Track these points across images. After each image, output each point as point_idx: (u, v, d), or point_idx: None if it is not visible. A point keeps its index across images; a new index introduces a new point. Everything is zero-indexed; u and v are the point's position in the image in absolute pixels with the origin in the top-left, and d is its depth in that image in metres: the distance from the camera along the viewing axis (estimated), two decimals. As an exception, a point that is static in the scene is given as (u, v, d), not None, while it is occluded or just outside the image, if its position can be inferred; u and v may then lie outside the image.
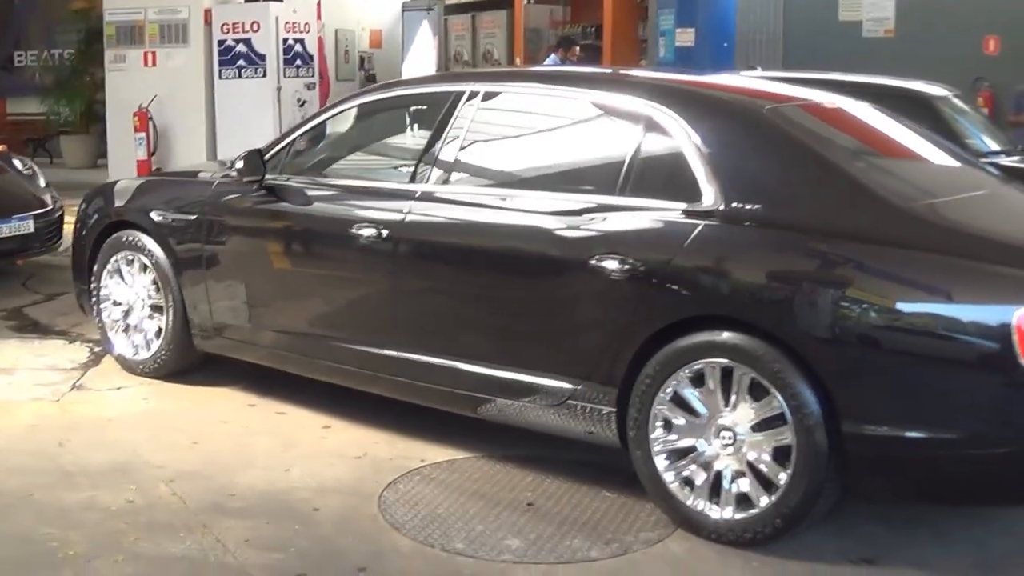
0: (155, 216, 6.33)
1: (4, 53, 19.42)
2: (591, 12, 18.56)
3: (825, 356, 4.18)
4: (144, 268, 6.45)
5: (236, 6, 15.53)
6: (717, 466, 4.45)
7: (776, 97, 5.21)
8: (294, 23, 15.43)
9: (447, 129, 5.42)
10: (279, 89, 15.29)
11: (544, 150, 5.47)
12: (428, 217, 5.36)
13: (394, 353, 5.39)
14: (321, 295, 5.83)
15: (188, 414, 6.01)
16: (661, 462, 4.57)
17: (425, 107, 5.82)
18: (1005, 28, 14.51)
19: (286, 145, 6.04)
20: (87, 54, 17.09)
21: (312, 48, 15.75)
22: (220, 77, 15.45)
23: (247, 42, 15.10)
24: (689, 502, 4.50)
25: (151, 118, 15.38)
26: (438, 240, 5.37)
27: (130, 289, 6.57)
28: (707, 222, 4.51)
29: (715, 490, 4.44)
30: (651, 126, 4.83)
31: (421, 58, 21.53)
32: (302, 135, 6.07)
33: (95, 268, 6.69)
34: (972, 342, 4.01)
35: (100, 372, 6.68)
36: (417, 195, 5.39)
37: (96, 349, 7.11)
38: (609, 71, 6.04)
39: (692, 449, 4.52)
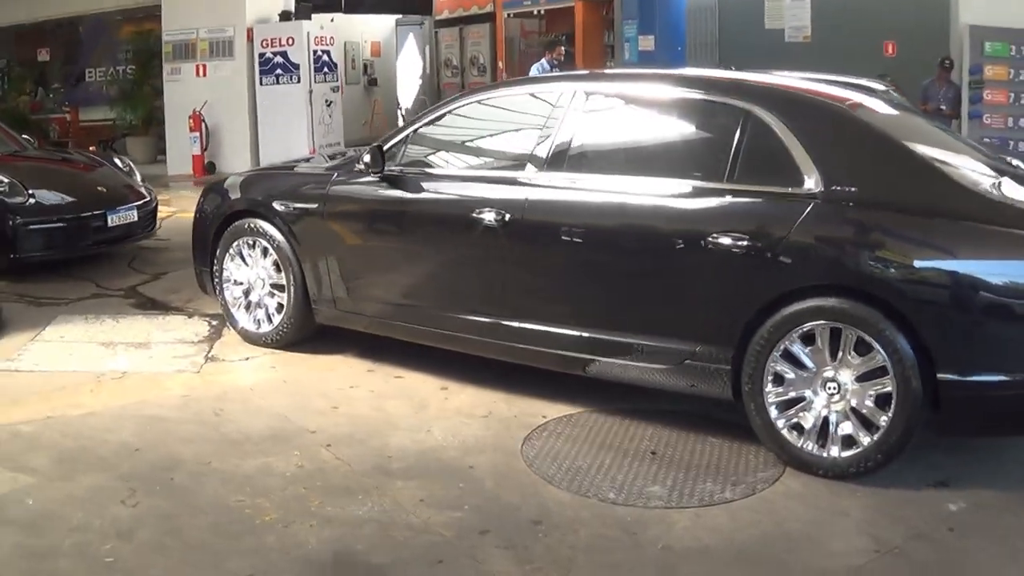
0: (278, 206, 5.66)
1: (77, 71, 18.89)
2: (563, 23, 17.98)
3: (924, 316, 3.93)
4: (265, 252, 5.78)
5: (274, 25, 14.89)
6: (824, 413, 4.15)
7: (839, 98, 4.68)
8: (321, 37, 14.84)
9: (560, 124, 4.85)
10: (311, 92, 14.62)
11: (656, 143, 4.86)
12: (554, 201, 4.78)
13: (517, 324, 4.85)
14: (441, 272, 5.24)
15: (319, 381, 5.36)
16: (774, 412, 4.23)
17: (535, 104, 5.17)
18: (900, 34, 14.24)
19: (402, 140, 5.38)
20: (146, 68, 16.56)
21: (336, 58, 15.16)
22: (261, 84, 14.83)
23: (283, 54, 14.50)
24: (800, 444, 4.19)
25: (203, 120, 14.77)
26: (566, 222, 4.73)
27: (251, 270, 5.89)
28: (814, 202, 4.12)
29: (822, 433, 4.15)
30: (751, 123, 4.38)
31: (410, 64, 20.96)
32: (416, 131, 5.40)
33: (217, 252, 5.99)
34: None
35: (225, 344, 5.99)
36: (537, 183, 4.81)
37: (214, 323, 6.42)
38: (698, 73, 5.36)
39: (801, 399, 4.19)
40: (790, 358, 4.17)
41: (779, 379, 4.20)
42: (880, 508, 3.91)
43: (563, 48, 14.57)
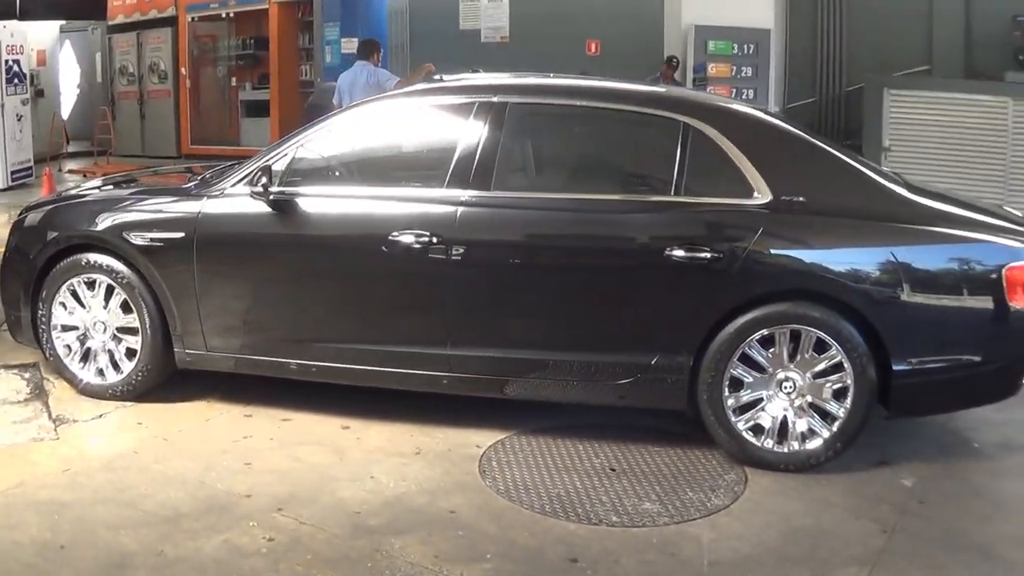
0: (131, 237, 4.83)
1: None
2: (251, 25, 17.07)
3: (879, 312, 4.14)
4: (110, 291, 4.94)
5: None
6: (783, 411, 4.27)
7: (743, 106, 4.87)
8: (12, 46, 13.11)
9: (483, 137, 4.53)
10: (2, 106, 12.91)
11: (591, 157, 4.80)
12: (490, 219, 4.48)
13: (452, 351, 4.51)
14: (349, 302, 4.71)
15: (204, 434, 4.67)
16: (732, 416, 4.28)
17: (447, 116, 4.79)
18: (604, 34, 14.85)
19: (284, 157, 4.77)
20: None
21: (28, 67, 13.35)
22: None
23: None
24: (760, 443, 4.29)
25: None
26: (506, 240, 4.48)
27: (89, 313, 5.01)
28: (768, 212, 4.23)
29: (781, 431, 4.28)
30: (691, 136, 4.40)
31: (72, 73, 19.19)
32: (302, 147, 4.81)
33: (42, 294, 5.03)
34: (976, 290, 4.17)
35: (61, 401, 5.02)
36: (467, 201, 4.45)
37: (27, 375, 5.39)
38: (626, 85, 5.22)
39: (759, 400, 4.29)
40: (748, 362, 4.25)
41: (737, 383, 4.27)
42: (852, 493, 4.09)
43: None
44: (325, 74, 15.10)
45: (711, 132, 4.38)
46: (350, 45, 15.05)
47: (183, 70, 17.23)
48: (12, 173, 13.46)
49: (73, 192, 5.70)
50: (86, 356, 5.06)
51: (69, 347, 5.07)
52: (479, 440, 4.57)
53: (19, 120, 13.27)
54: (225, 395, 5.09)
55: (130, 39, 17.92)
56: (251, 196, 4.67)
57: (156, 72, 17.65)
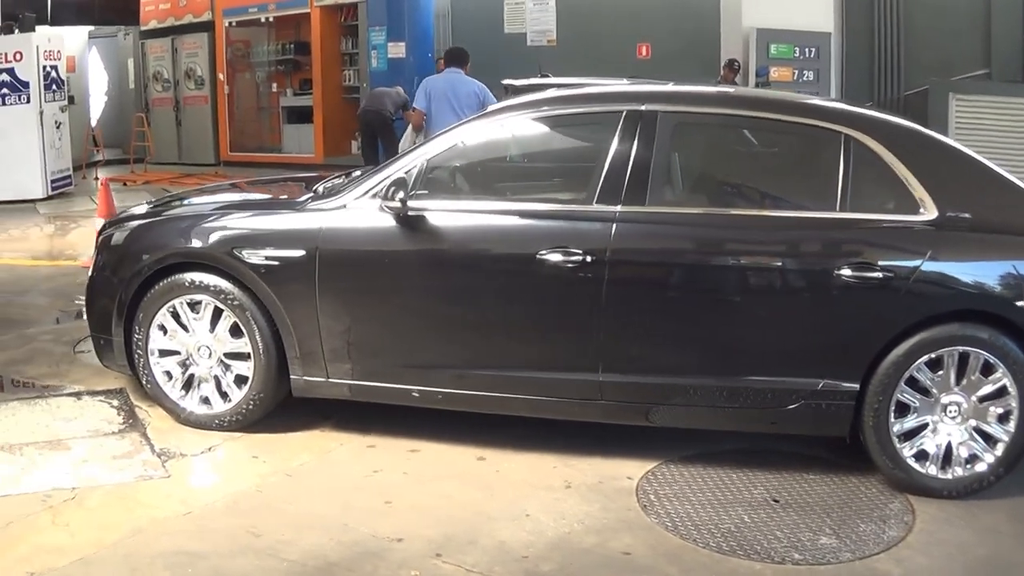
0: (244, 254, 4.46)
1: None
2: (291, 30, 16.75)
3: None
4: (218, 313, 4.57)
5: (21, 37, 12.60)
6: (948, 437, 4.00)
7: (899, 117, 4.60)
8: (50, 51, 12.81)
9: (633, 149, 4.19)
10: (41, 113, 12.55)
11: (748, 170, 4.52)
12: (645, 237, 4.16)
13: (588, 377, 4.19)
14: (490, 326, 4.35)
15: (329, 470, 4.31)
16: (898, 442, 4.00)
17: (588, 126, 4.52)
18: (654, 37, 14.53)
19: (416, 168, 4.40)
20: None
21: (64, 73, 13.03)
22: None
23: (10, 71, 12.30)
24: (924, 470, 4.02)
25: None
26: (660, 260, 4.19)
27: (192, 337, 4.64)
28: (934, 229, 3.96)
29: (946, 456, 4.01)
30: (854, 149, 4.11)
31: (101, 79, 18.94)
32: (435, 158, 4.45)
33: (139, 317, 4.66)
34: None
35: (162, 432, 4.66)
36: (617, 216, 4.11)
37: (115, 402, 5.03)
38: (791, 98, 4.90)
39: (924, 426, 4.03)
40: (914, 386, 3.97)
41: (903, 408, 3.99)
42: (1018, 519, 3.89)
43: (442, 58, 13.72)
44: (372, 79, 14.77)
45: (875, 145, 4.09)
46: (396, 50, 14.75)
47: (221, 76, 16.91)
48: (52, 182, 13.14)
49: (163, 205, 5.31)
50: (188, 383, 4.68)
51: (169, 373, 4.71)
52: (627, 470, 4.22)
53: (58, 127, 12.96)
54: (339, 424, 4.73)
55: (164, 44, 17.59)
56: (381, 210, 4.30)
57: (192, 78, 17.32)
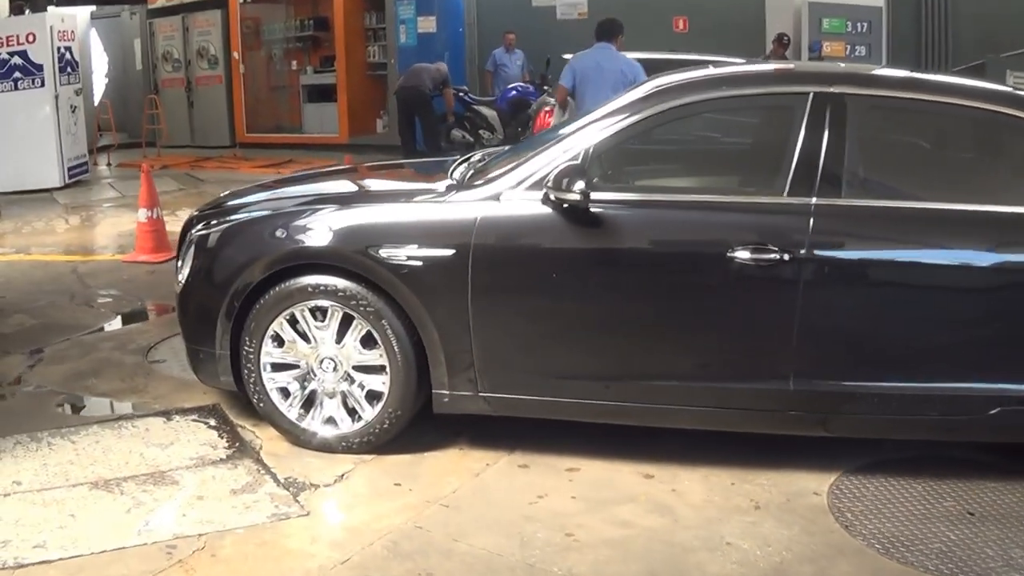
0: (383, 253, 3.87)
1: None
2: (309, 5, 16.05)
3: None
4: (347, 321, 3.99)
5: (10, 20, 12.08)
6: None
7: None
8: (64, 32, 12.08)
9: (824, 134, 3.70)
10: (56, 97, 11.87)
11: (951, 160, 4.08)
12: (846, 233, 3.70)
13: (778, 386, 3.72)
14: (671, 332, 3.86)
15: (487, 495, 3.78)
16: None
17: (770, 109, 4.03)
18: (692, 9, 14.06)
19: (582, 156, 3.84)
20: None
21: (78, 55, 12.32)
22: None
23: (23, 54, 11.57)
24: None
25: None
26: (864, 258, 3.74)
27: (315, 349, 4.07)
28: None
29: None
30: None
31: (101, 61, 18.22)
32: (601, 143, 3.89)
33: (249, 326, 4.08)
34: None
35: (280, 458, 4.10)
36: (813, 208, 3.64)
37: (213, 422, 4.47)
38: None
39: None
40: None
41: None
42: None
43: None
44: (400, 55, 14.14)
45: None
46: (427, 24, 14.12)
47: (235, 54, 16.20)
48: (69, 169, 12.45)
49: (263, 197, 4.69)
50: (309, 401, 4.10)
51: (286, 390, 4.13)
52: (808, 484, 3.80)
53: (73, 112, 12.27)
54: (475, 440, 4.21)
55: (174, 23, 16.83)
56: (545, 201, 3.76)
57: (205, 57, 16.59)
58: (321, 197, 4.46)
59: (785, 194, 3.68)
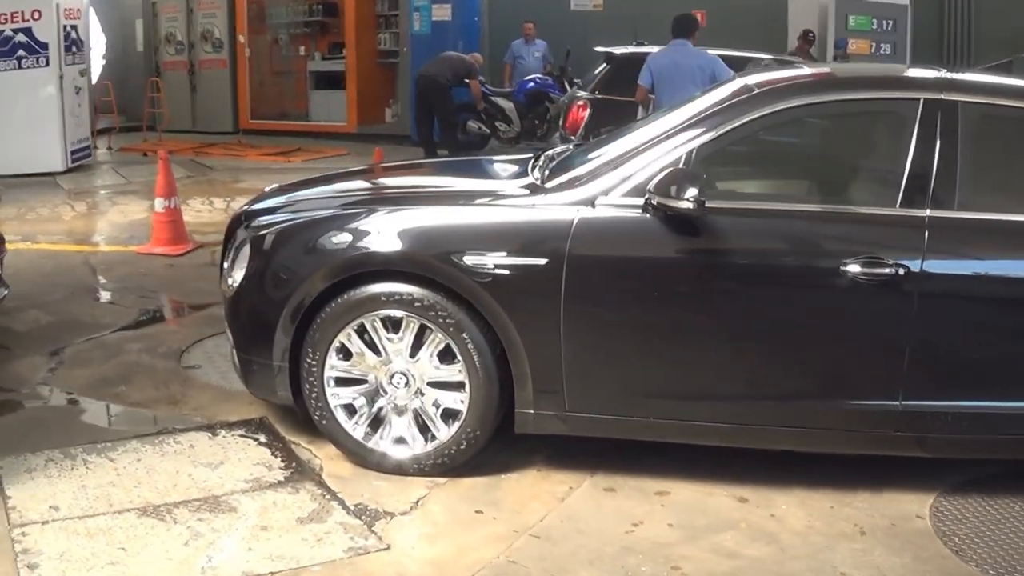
0: (465, 262, 3.54)
1: None
2: (320, -10, 15.64)
3: None
4: (422, 333, 3.65)
5: None
6: None
7: None
8: (70, 9, 11.59)
9: (936, 143, 3.49)
10: (61, 78, 11.40)
11: None
12: (962, 246, 3.51)
13: (887, 405, 3.51)
14: (774, 349, 3.60)
15: (578, 523, 3.46)
16: None
17: (878, 115, 3.84)
18: (711, 3, 13.75)
19: (685, 158, 3.54)
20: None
21: (84, 34, 11.88)
22: (0, 69, 11.23)
23: (27, 31, 11.06)
24: None
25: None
26: (979, 273, 3.55)
27: (385, 363, 3.73)
28: None
29: None
30: None
31: (99, 43, 17.65)
32: (705, 146, 3.60)
33: (311, 338, 3.73)
34: None
35: (341, 479, 3.77)
36: (928, 221, 3.44)
37: (263, 438, 4.13)
38: None
39: None
40: None
41: None
42: None
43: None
44: (413, 43, 13.74)
45: None
46: (442, 12, 13.73)
47: (241, 38, 15.75)
48: (72, 153, 12.00)
49: (322, 195, 4.34)
50: (377, 419, 3.77)
51: (351, 407, 3.79)
52: (908, 507, 3.63)
53: (77, 93, 11.82)
54: (552, 460, 3.91)
55: (178, 4, 16.34)
56: (647, 208, 3.48)
57: (210, 40, 16.12)
58: (387, 196, 4.11)
59: (897, 205, 3.48)
